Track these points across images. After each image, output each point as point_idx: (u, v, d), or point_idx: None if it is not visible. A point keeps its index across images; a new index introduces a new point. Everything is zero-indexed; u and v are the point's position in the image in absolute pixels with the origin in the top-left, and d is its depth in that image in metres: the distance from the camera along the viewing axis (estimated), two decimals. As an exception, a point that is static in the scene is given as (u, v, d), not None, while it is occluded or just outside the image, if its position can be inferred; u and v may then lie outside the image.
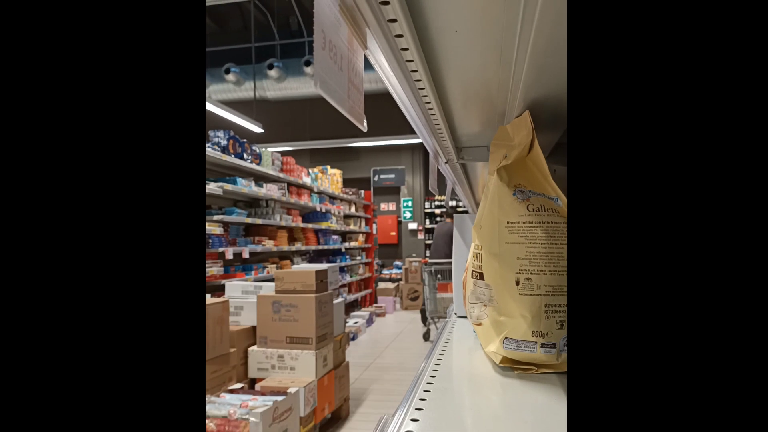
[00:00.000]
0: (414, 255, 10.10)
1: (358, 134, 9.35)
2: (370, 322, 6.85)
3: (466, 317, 1.25)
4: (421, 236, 10.34)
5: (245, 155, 4.45)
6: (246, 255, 4.36)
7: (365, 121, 0.53)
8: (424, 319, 5.93)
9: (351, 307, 7.57)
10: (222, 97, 8.17)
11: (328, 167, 6.96)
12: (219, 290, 3.79)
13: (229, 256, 4.06)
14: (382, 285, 8.58)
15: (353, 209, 7.94)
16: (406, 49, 0.55)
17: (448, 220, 5.57)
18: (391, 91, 0.73)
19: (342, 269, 7.00)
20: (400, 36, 0.51)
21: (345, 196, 7.58)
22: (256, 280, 4.13)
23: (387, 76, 0.64)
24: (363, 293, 8.01)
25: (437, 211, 10.25)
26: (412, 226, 10.38)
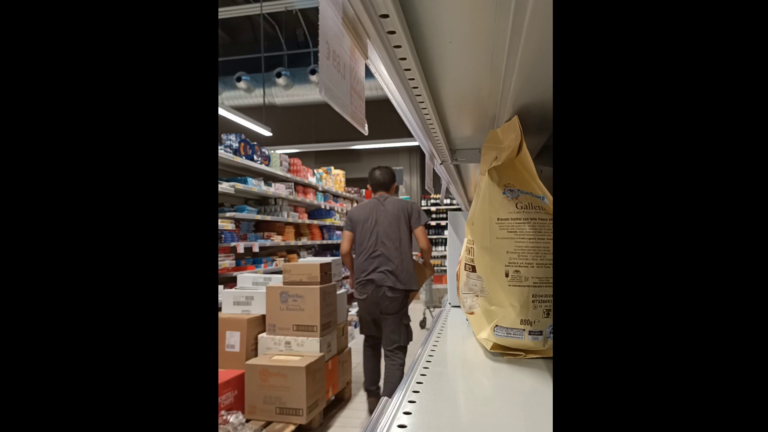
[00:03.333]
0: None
1: (360, 137, 9.33)
2: (370, 311, 6.84)
3: (459, 307, 1.25)
4: (417, 232, 10.32)
5: (255, 157, 4.44)
6: (256, 249, 4.36)
7: (366, 125, 0.53)
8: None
9: (353, 297, 7.57)
10: (234, 103, 8.15)
11: (332, 168, 6.95)
12: (231, 282, 3.79)
13: (241, 250, 4.06)
14: (381, 277, 8.54)
15: (355, 207, 7.92)
16: (404, 59, 0.55)
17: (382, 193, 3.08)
18: (390, 97, 0.73)
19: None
20: (399, 47, 0.51)
21: (347, 194, 7.57)
22: (265, 273, 4.13)
23: (386, 84, 0.64)
24: (364, 284, 7.98)
25: (433, 208, 10.23)
26: (410, 222, 10.36)
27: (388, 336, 2.90)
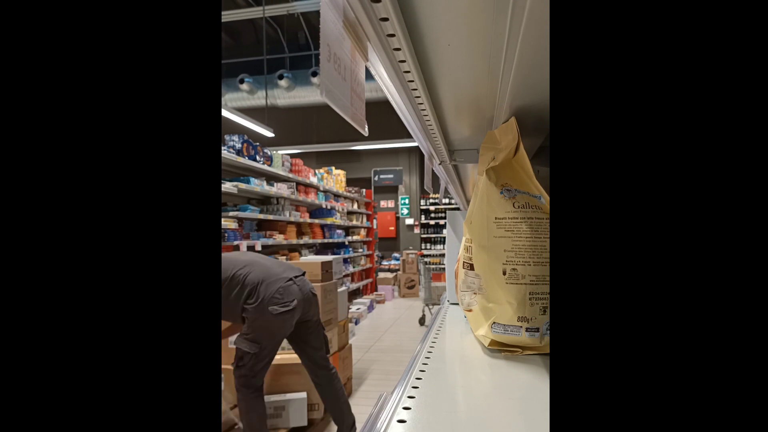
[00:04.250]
0: (411, 248, 10.10)
1: (360, 138, 9.34)
2: (370, 308, 6.86)
3: (458, 304, 1.25)
4: (417, 231, 10.35)
5: (258, 157, 4.44)
6: (258, 248, 4.36)
7: (366, 126, 0.53)
8: None
9: (353, 294, 7.58)
10: (237, 105, 8.15)
11: (333, 168, 6.95)
12: (234, 280, 3.78)
13: (243, 248, 4.06)
14: (381, 275, 8.58)
15: (356, 206, 7.93)
16: (404, 61, 0.55)
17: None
18: (390, 99, 0.73)
19: (345, 260, 6.99)
20: (398, 49, 0.51)
21: (348, 194, 7.57)
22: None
23: (386, 86, 0.64)
24: (364, 282, 8.01)
25: (431, 207, 10.24)
26: (409, 221, 10.38)
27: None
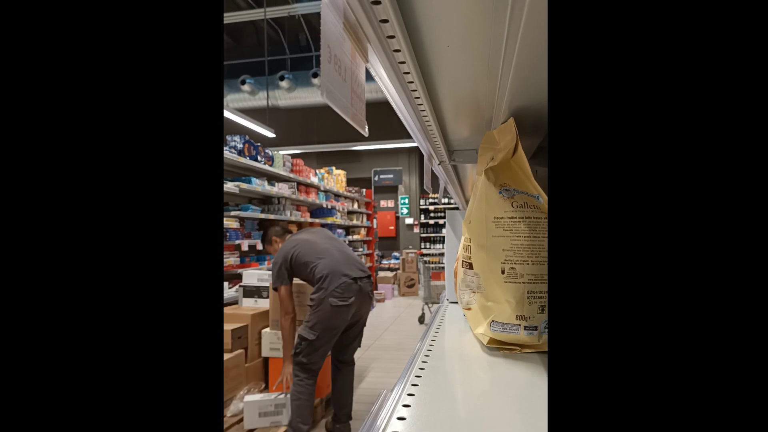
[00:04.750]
0: (410, 247, 10.10)
1: (361, 138, 9.34)
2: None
3: (457, 303, 1.25)
4: (416, 230, 10.34)
5: (259, 157, 4.44)
6: (260, 247, 4.35)
7: (366, 126, 0.53)
8: None
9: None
10: (238, 106, 8.15)
11: (334, 168, 6.94)
12: (236, 278, 3.79)
13: (245, 247, 4.06)
14: (381, 274, 8.57)
15: (356, 206, 7.92)
16: (403, 63, 0.55)
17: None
18: (390, 100, 0.72)
19: (346, 260, 6.97)
20: (398, 50, 0.51)
21: (348, 194, 7.57)
22: (268, 270, 4.13)
23: (386, 87, 0.64)
24: (365, 281, 7.98)
25: (431, 207, 10.24)
26: (409, 221, 10.38)
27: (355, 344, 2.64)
